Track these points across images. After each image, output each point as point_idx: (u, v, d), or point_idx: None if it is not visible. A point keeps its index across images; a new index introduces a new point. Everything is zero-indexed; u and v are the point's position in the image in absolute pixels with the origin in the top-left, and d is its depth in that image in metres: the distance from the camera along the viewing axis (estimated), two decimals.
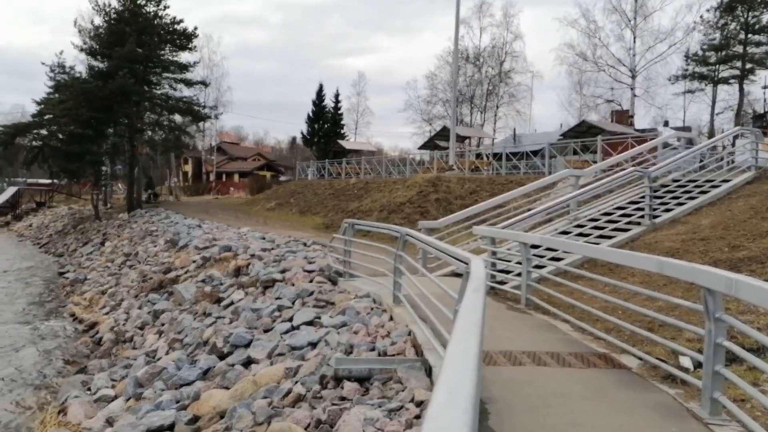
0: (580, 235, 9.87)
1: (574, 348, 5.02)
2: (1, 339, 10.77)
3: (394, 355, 5.01)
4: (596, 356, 4.76)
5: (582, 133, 26.48)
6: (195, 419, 5.11)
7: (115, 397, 6.85)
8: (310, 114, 50.36)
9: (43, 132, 31.19)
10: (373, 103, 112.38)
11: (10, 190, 50.11)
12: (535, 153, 23.45)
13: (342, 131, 51.48)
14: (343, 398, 4.34)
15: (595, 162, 17.39)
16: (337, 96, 51.44)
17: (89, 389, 7.52)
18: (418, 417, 3.65)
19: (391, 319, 6.31)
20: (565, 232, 10.26)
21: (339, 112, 51.68)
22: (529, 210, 10.44)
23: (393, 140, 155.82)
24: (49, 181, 46.85)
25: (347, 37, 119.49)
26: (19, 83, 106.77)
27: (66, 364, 9.44)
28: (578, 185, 11.68)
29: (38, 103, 30.70)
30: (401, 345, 5.18)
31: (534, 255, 7.39)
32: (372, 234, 12.27)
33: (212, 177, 52.76)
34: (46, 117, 29.92)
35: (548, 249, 7.98)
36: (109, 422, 5.90)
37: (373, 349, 5.33)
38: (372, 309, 6.88)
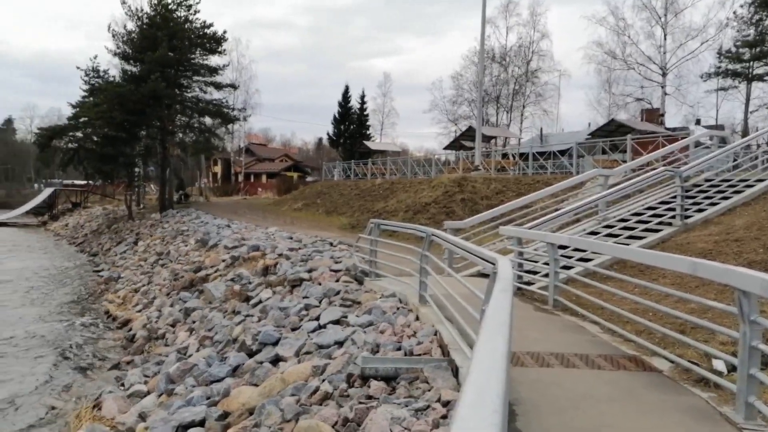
0: (609, 235, 9.72)
1: (604, 350, 4.96)
2: (39, 336, 11.14)
3: (420, 355, 5.03)
4: (626, 358, 4.69)
5: (611, 132, 26.03)
6: (225, 415, 5.21)
7: (148, 393, 7.02)
8: (336, 115, 50.69)
9: (79, 134, 32.12)
10: (398, 104, 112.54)
11: (47, 191, 51.82)
12: (562, 153, 23.14)
13: (367, 132, 51.67)
14: (369, 397, 4.37)
15: (624, 161, 17.07)
16: (362, 97, 51.69)
17: (123, 385, 7.73)
18: (444, 417, 3.66)
19: (417, 318, 6.33)
20: (593, 233, 10.12)
21: (365, 113, 51.89)
22: (556, 210, 10.33)
23: (418, 141, 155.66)
24: (84, 182, 48.19)
25: (373, 38, 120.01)
26: (56, 87, 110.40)
27: (101, 360, 9.72)
28: (607, 185, 11.50)
29: (74, 107, 31.62)
30: (427, 345, 5.19)
31: (562, 256, 7.32)
32: (398, 234, 12.29)
33: (241, 178, 53.52)
34: (81, 120, 30.80)
35: (576, 249, 7.88)
36: (142, 417, 6.06)
37: (399, 349, 5.36)
38: (398, 308, 6.91)
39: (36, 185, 68.42)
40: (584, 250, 7.95)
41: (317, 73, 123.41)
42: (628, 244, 8.80)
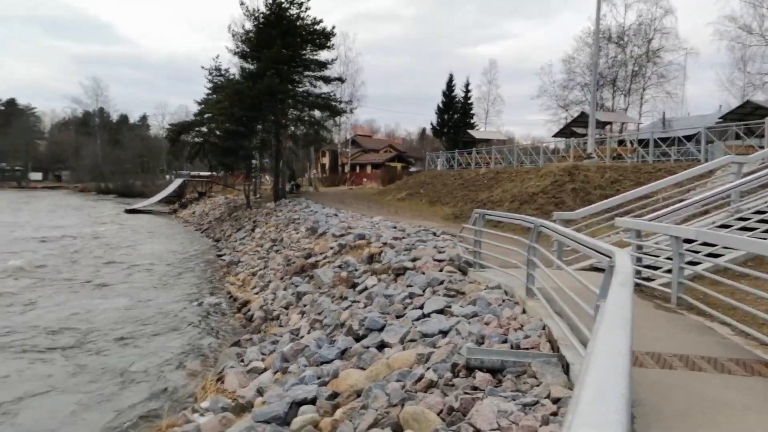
0: (744, 229, 8.77)
1: (735, 353, 4.51)
2: (172, 314, 12.35)
3: (527, 349, 4.90)
4: (762, 364, 4.24)
5: (746, 115, 23.43)
6: (334, 395, 5.44)
7: (265, 370, 7.50)
8: (440, 105, 50.43)
9: (204, 129, 34.93)
10: (504, 91, 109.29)
11: (177, 182, 56.97)
12: (688, 138, 21.21)
13: (472, 121, 50.87)
14: (475, 388, 4.34)
15: (761, 147, 15.28)
16: (467, 85, 50.93)
17: (242, 361, 8.33)
18: (554, 414, 3.54)
19: (524, 312, 6.16)
20: (724, 226, 9.19)
21: (469, 101, 51.11)
22: (681, 201, 9.51)
23: (525, 128, 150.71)
24: (208, 173, 52.36)
25: (479, 25, 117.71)
26: (183, 86, 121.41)
27: (224, 337, 10.57)
28: (741, 173, 10.38)
29: (199, 104, 34.43)
30: (535, 339, 5.05)
31: (687, 250, 6.74)
32: (503, 225, 12.02)
33: (347, 168, 55.18)
34: (206, 116, 33.44)
35: (704, 244, 7.21)
36: (260, 392, 6.49)
37: (505, 341, 5.26)
38: (503, 300, 6.77)
39: (167, 176, 75.26)
40: (714, 245, 7.25)
41: (422, 63, 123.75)
42: (766, 239, 7.89)
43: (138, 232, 30.13)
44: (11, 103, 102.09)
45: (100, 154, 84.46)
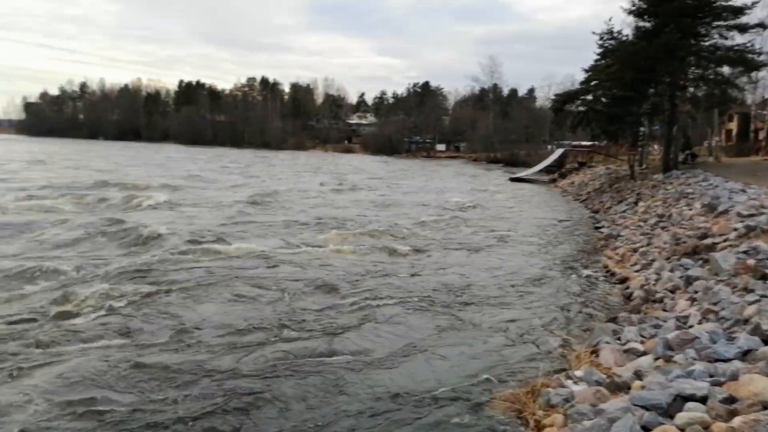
0: None
1: None
2: (547, 279, 12.82)
3: None
4: None
5: None
6: (731, 399, 4.70)
7: (644, 353, 7.05)
8: None
9: (588, 97, 34.08)
10: None
11: (558, 152, 57.89)
12: None
13: None
14: None
15: None
16: None
17: (619, 339, 8.02)
18: None
19: None
20: None
21: None
22: None
23: None
24: (589, 143, 51.22)
25: None
26: (573, 55, 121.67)
27: (598, 311, 10.38)
28: None
29: (586, 71, 33.64)
30: None
31: None
32: None
33: (762, 135, 45.05)
34: (592, 83, 32.46)
35: None
36: (638, 375, 6.14)
37: None
38: None
39: (548, 146, 77.21)
40: None
41: None
42: None
43: (520, 200, 32.14)
44: (425, 85, 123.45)
45: (491, 126, 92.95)
